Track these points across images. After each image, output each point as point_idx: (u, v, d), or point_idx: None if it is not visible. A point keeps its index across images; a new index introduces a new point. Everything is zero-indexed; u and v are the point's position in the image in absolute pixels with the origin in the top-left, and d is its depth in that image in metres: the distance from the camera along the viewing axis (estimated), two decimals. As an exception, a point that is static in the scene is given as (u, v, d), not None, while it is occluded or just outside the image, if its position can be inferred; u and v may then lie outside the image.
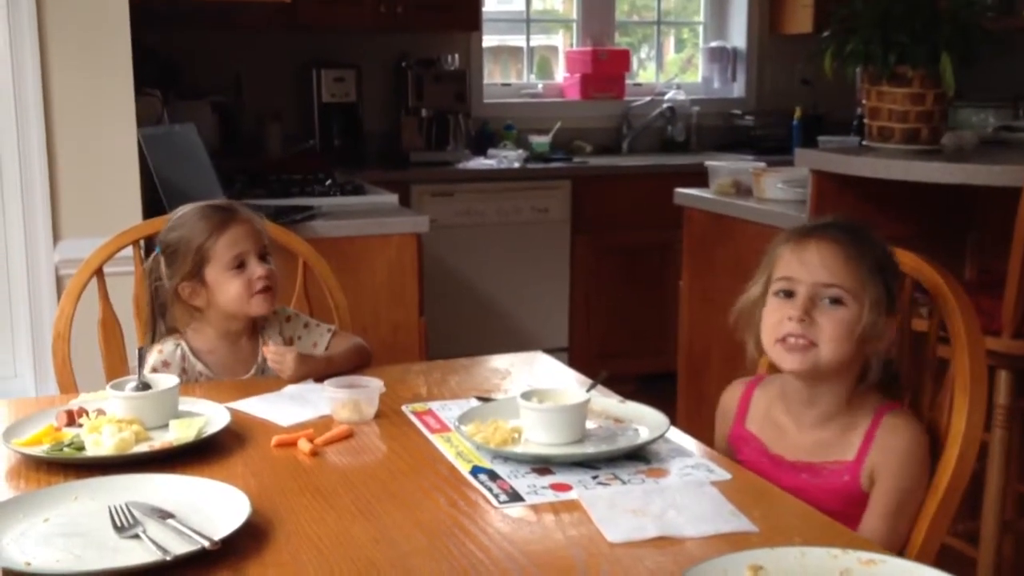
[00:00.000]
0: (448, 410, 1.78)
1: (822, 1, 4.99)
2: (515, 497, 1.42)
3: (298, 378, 1.93)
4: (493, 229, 4.54)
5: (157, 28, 3.71)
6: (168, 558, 1.20)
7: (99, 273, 2.19)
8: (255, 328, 2.08)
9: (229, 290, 1.98)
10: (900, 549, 1.58)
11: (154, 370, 1.96)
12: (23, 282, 2.75)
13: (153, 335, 2.06)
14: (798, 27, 5.18)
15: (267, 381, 1.98)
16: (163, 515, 1.32)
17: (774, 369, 1.73)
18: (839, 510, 1.56)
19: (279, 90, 4.74)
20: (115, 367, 2.16)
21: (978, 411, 1.55)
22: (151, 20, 3.24)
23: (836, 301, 1.59)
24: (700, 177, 3.70)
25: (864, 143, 2.93)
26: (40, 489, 1.43)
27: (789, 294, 1.62)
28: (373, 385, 1.77)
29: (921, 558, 1.47)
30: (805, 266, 1.61)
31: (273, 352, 1.95)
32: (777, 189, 3.28)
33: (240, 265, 1.98)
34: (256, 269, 1.99)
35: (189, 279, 1.99)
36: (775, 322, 1.62)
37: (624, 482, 1.47)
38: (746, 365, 1.77)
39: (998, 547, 2.40)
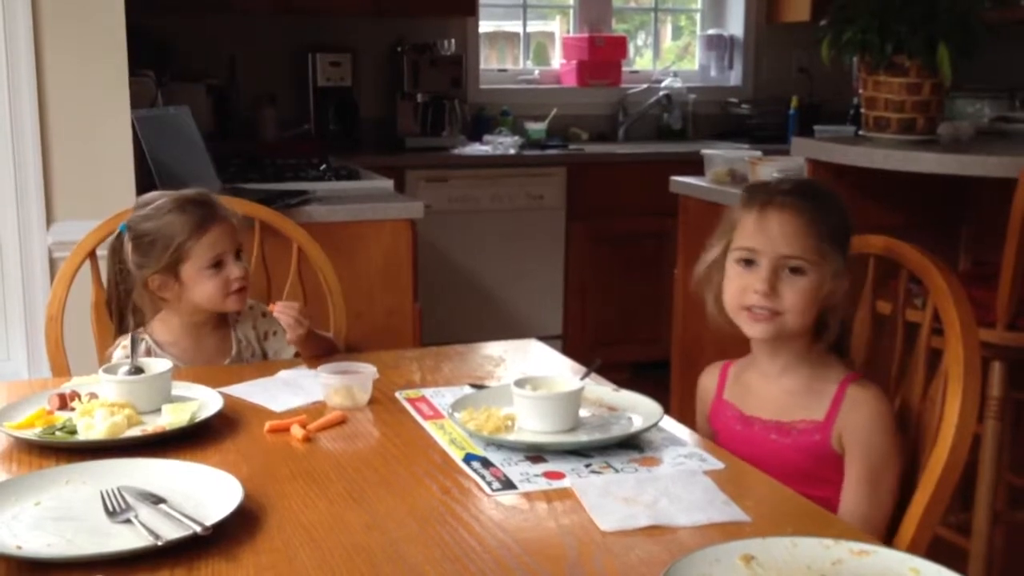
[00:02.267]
0: (441, 397, 1.78)
1: (820, -10, 4.98)
2: (508, 485, 1.42)
3: (300, 340, 1.98)
4: (488, 215, 4.53)
5: (152, 10, 3.69)
6: (160, 543, 1.19)
7: (92, 256, 2.19)
8: (224, 321, 2.07)
9: (205, 289, 1.96)
10: (885, 521, 1.61)
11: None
12: (16, 265, 2.74)
13: (120, 320, 2.05)
14: (795, 15, 5.17)
15: (260, 366, 1.98)
16: (155, 500, 1.31)
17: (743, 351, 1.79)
18: (811, 469, 1.64)
19: (274, 74, 4.72)
20: (108, 358, 2.15)
21: (971, 402, 1.55)
22: (146, 2, 3.22)
23: (797, 271, 1.63)
24: (696, 165, 3.70)
25: (860, 133, 2.93)
26: (32, 472, 1.43)
27: (750, 263, 1.66)
28: (366, 371, 1.77)
29: (913, 549, 1.47)
30: (767, 237, 1.64)
31: (283, 306, 1.96)
32: (773, 178, 3.27)
33: (217, 265, 1.97)
34: (233, 270, 1.98)
35: (162, 273, 1.96)
36: (737, 289, 1.67)
37: (617, 470, 1.47)
38: (707, 322, 1.80)
39: (990, 538, 2.40)
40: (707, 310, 1.77)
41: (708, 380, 1.86)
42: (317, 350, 2.05)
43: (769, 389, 1.73)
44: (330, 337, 2.13)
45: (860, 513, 1.61)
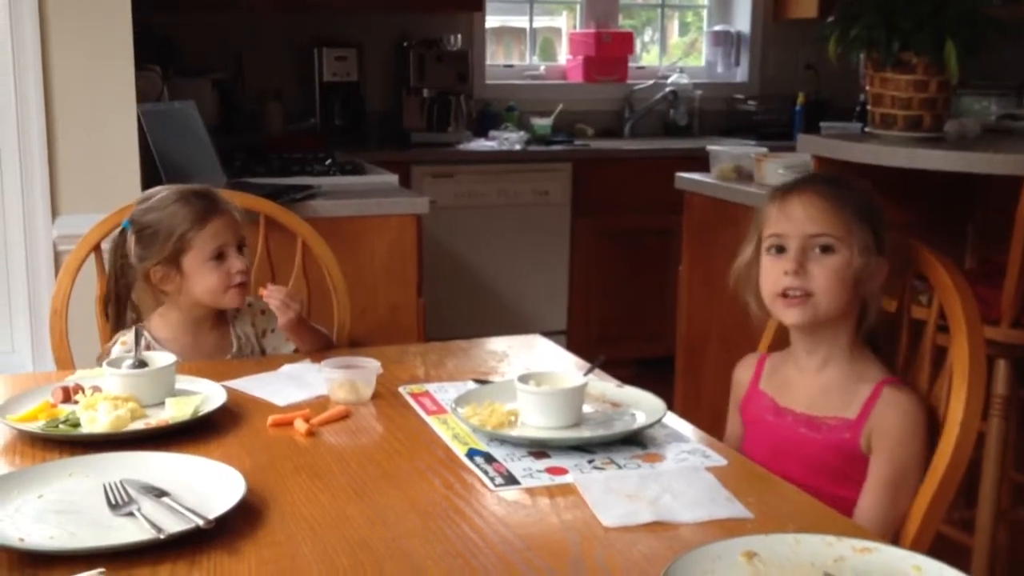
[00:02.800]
0: (445, 392, 1.78)
1: (827, -14, 4.97)
2: (511, 480, 1.42)
3: (290, 325, 1.99)
4: (493, 211, 4.53)
5: (158, 5, 3.69)
6: (162, 536, 1.19)
7: (97, 249, 2.19)
8: (222, 318, 2.07)
9: (206, 281, 1.96)
10: (900, 524, 1.60)
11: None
12: (21, 257, 2.74)
13: (118, 314, 2.06)
14: (802, 12, 5.16)
15: (263, 361, 1.98)
16: (158, 493, 1.31)
17: (783, 344, 1.80)
18: (838, 466, 1.64)
19: (280, 68, 4.72)
20: (107, 354, 2.15)
21: (976, 400, 1.55)
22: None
23: (826, 249, 1.65)
24: (702, 162, 3.69)
25: (867, 130, 2.92)
26: (35, 465, 1.43)
27: (781, 250, 1.68)
28: (370, 366, 1.77)
29: (916, 546, 1.47)
30: (791, 220, 1.67)
31: (272, 288, 1.97)
32: (779, 175, 3.26)
33: (219, 256, 1.97)
34: (235, 263, 1.98)
35: (164, 264, 1.96)
36: (772, 279, 1.68)
37: (620, 466, 1.47)
38: (752, 323, 1.82)
39: (993, 536, 2.40)
40: (751, 311, 1.77)
41: (743, 371, 1.85)
42: (312, 343, 2.05)
43: (806, 383, 1.72)
44: (325, 332, 2.12)
45: (878, 518, 1.59)
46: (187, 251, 1.96)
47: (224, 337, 2.06)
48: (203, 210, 1.97)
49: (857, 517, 1.61)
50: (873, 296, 1.68)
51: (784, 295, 1.66)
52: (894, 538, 1.55)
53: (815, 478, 1.61)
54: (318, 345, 2.06)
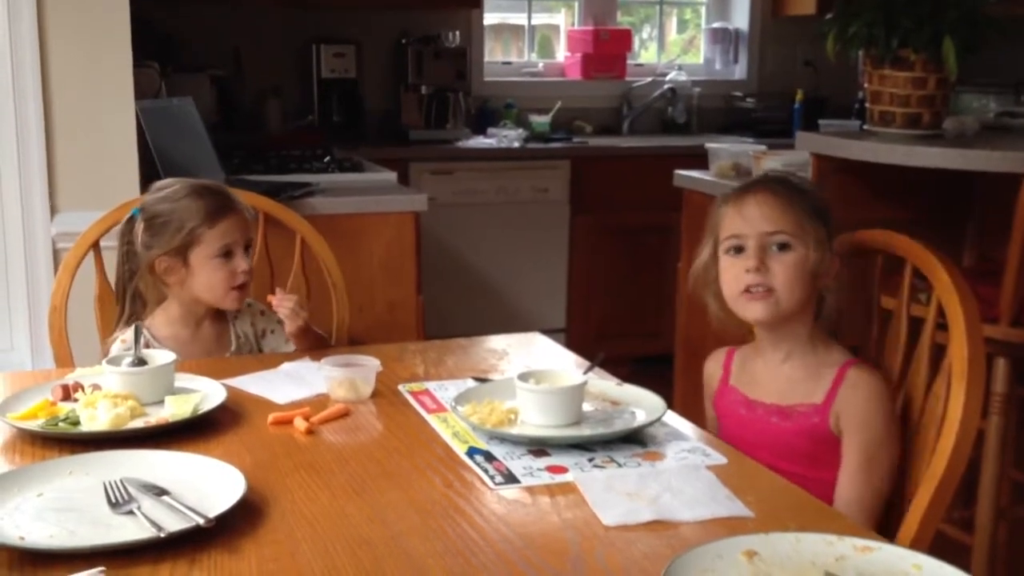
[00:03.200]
0: (445, 390, 1.78)
1: (826, -16, 4.96)
2: (511, 479, 1.42)
3: (297, 332, 1.99)
4: (492, 208, 4.52)
5: (156, 1, 3.69)
6: (162, 535, 1.19)
7: (96, 247, 2.19)
8: (222, 316, 2.07)
9: (210, 278, 1.96)
10: (880, 503, 1.65)
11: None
12: (20, 255, 2.74)
13: (123, 304, 2.05)
14: (801, 9, 5.15)
15: (263, 358, 1.98)
16: (158, 491, 1.31)
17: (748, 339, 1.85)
18: (811, 451, 1.69)
19: (278, 65, 4.72)
20: (108, 350, 2.15)
21: (975, 398, 1.55)
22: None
23: (783, 246, 1.70)
24: (700, 159, 3.69)
25: (865, 127, 2.92)
26: (34, 463, 1.43)
27: (739, 250, 1.73)
28: (370, 364, 1.77)
29: (916, 545, 1.47)
30: (747, 221, 1.72)
31: (282, 296, 1.97)
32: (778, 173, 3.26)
33: (226, 255, 1.97)
34: (241, 262, 1.98)
35: (170, 256, 1.97)
36: (732, 277, 1.74)
37: (620, 465, 1.47)
38: (711, 323, 1.86)
39: (993, 534, 2.40)
40: (710, 312, 1.83)
41: (713, 366, 1.91)
42: (313, 347, 2.05)
43: (773, 375, 1.77)
44: (324, 336, 2.13)
45: (855, 497, 1.65)
46: (195, 245, 1.96)
47: (223, 335, 2.06)
48: (216, 207, 1.98)
49: (837, 499, 1.66)
50: (828, 290, 1.74)
51: (747, 291, 1.71)
52: (891, 534, 1.55)
53: (787, 463, 1.65)
54: (317, 348, 2.06)
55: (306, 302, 2.01)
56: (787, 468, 1.58)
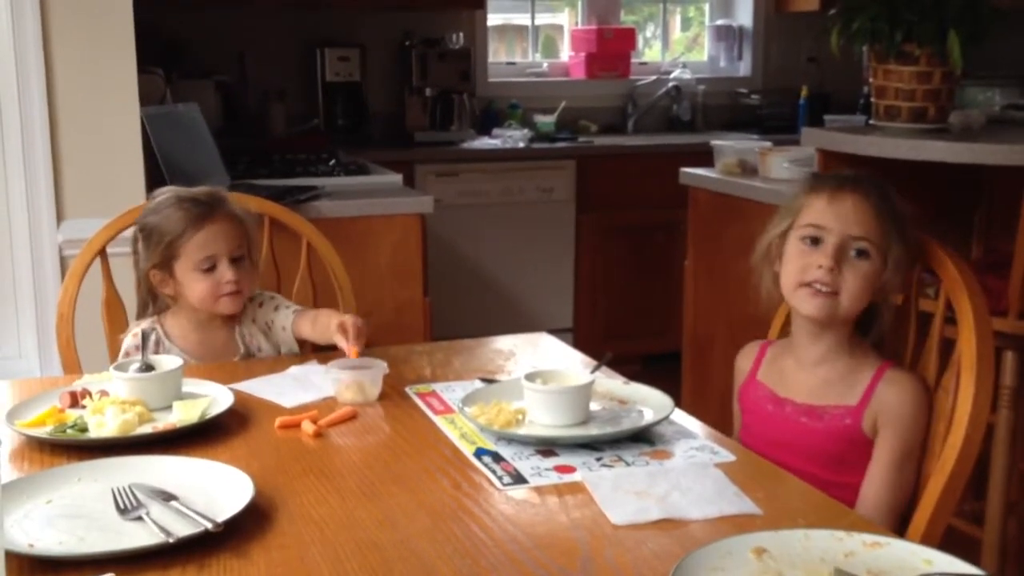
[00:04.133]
0: (452, 391, 1.78)
1: (829, -21, 4.95)
2: (519, 479, 1.42)
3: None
4: (498, 209, 4.52)
5: (160, 6, 3.69)
6: (171, 540, 1.19)
7: (102, 253, 2.19)
8: (231, 318, 2.06)
9: (195, 290, 1.96)
10: (905, 500, 1.62)
11: (127, 353, 1.97)
12: (27, 262, 2.74)
13: (141, 304, 2.06)
14: (805, 5, 5.14)
15: (270, 362, 1.98)
16: (166, 497, 1.31)
17: (784, 333, 1.81)
18: (839, 451, 1.65)
19: (283, 69, 4.72)
20: (119, 348, 2.15)
21: (984, 392, 1.54)
22: (154, -1, 3.22)
23: (862, 253, 1.64)
24: (706, 156, 3.69)
25: (871, 122, 2.91)
26: (43, 471, 1.43)
27: (816, 241, 1.66)
28: (377, 366, 1.77)
29: (927, 540, 1.46)
30: (838, 216, 1.65)
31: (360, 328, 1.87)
32: (783, 168, 3.26)
33: (210, 267, 1.95)
34: (225, 273, 1.95)
35: (159, 268, 1.97)
36: (800, 267, 1.67)
37: (628, 464, 1.46)
38: (757, 297, 1.80)
39: (1003, 528, 2.39)
40: (761, 287, 1.77)
41: (744, 360, 1.85)
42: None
43: (805, 375, 1.73)
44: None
45: (882, 495, 1.62)
46: (177, 258, 1.95)
47: (232, 337, 2.06)
48: (195, 217, 1.94)
49: (863, 497, 1.63)
50: (887, 305, 1.70)
51: (810, 285, 1.65)
52: (901, 529, 1.55)
53: (813, 466, 1.62)
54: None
55: (365, 327, 1.89)
56: (811, 471, 1.55)
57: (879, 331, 1.71)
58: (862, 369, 1.68)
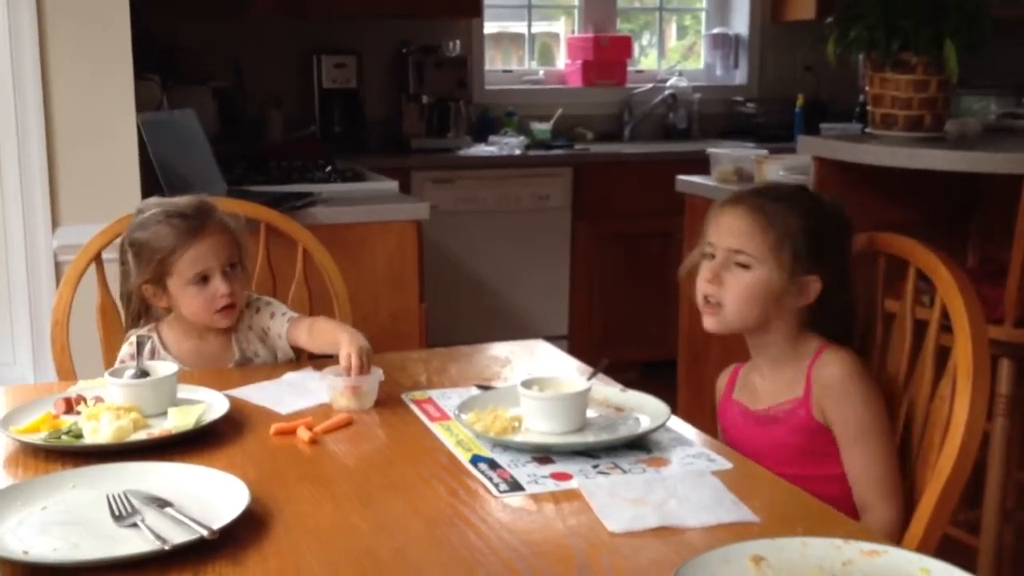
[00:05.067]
0: (448, 398, 1.77)
1: (825, -12, 4.96)
2: (515, 486, 1.41)
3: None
4: (494, 216, 4.52)
5: (157, 13, 3.69)
6: (166, 547, 1.19)
7: (98, 259, 2.19)
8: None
9: (190, 304, 1.95)
10: (884, 469, 1.65)
11: (122, 361, 1.96)
12: (22, 268, 2.74)
13: (130, 316, 2.06)
14: (800, 14, 5.16)
15: (266, 369, 1.98)
16: (161, 504, 1.31)
17: None
18: (803, 447, 1.70)
19: (279, 76, 4.72)
20: (114, 354, 2.14)
21: (980, 400, 1.54)
22: (150, 5, 3.22)
23: (743, 265, 1.71)
24: (702, 164, 3.69)
25: (867, 130, 2.92)
26: (38, 477, 1.43)
27: (712, 256, 1.74)
28: (372, 373, 1.76)
29: (923, 548, 1.46)
30: (719, 232, 1.74)
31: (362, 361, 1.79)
32: (779, 176, 3.26)
33: (204, 279, 1.93)
34: (219, 287, 1.93)
35: (152, 284, 1.96)
36: (699, 282, 1.76)
37: (625, 471, 1.46)
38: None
39: (999, 536, 2.39)
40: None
41: (720, 381, 1.91)
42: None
43: (765, 385, 1.78)
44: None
45: (860, 470, 1.66)
46: (169, 275, 1.93)
47: (228, 345, 2.05)
48: (185, 233, 1.92)
49: (849, 480, 1.67)
50: (809, 309, 1.72)
51: (705, 300, 1.73)
52: (898, 537, 1.54)
53: (787, 467, 1.63)
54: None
55: (365, 354, 1.79)
56: (789, 472, 1.56)
57: (826, 323, 1.74)
58: (802, 360, 1.73)
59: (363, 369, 1.75)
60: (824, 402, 1.69)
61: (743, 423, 1.79)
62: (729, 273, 1.71)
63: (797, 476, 1.53)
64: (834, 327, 1.75)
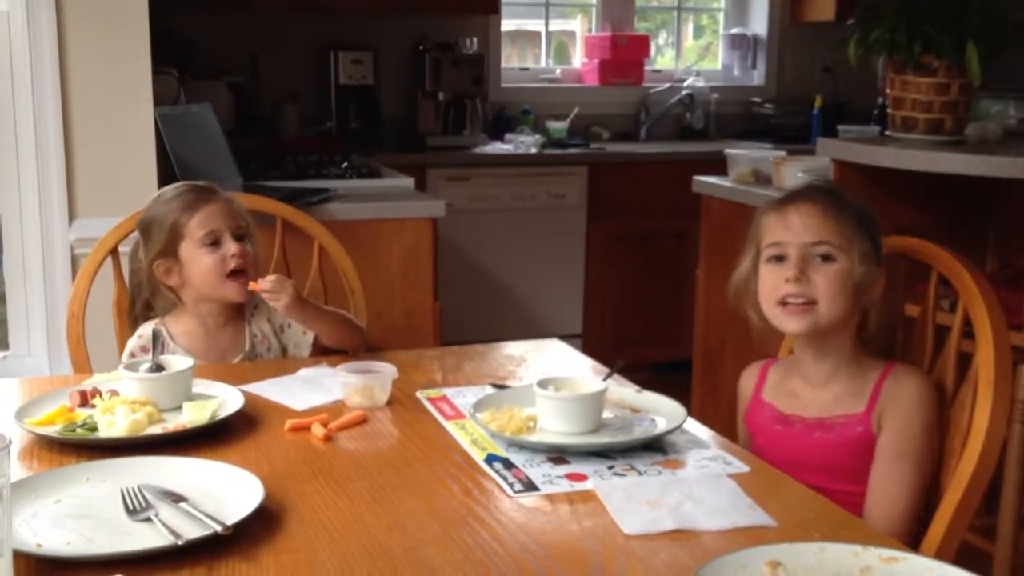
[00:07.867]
0: (463, 397, 1.77)
1: (844, -11, 4.94)
2: (530, 486, 1.40)
3: (290, 310, 1.94)
4: (509, 214, 4.52)
5: (175, 8, 3.69)
6: (180, 542, 1.18)
7: (114, 252, 2.19)
8: (238, 315, 2.06)
9: (202, 266, 1.97)
10: (907, 501, 1.60)
11: (132, 355, 1.96)
12: (38, 261, 2.74)
13: (135, 317, 2.07)
14: (820, 15, 5.13)
15: (280, 364, 1.97)
16: (175, 498, 1.30)
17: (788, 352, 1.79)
18: (850, 462, 1.64)
19: (296, 71, 4.72)
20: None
21: (1002, 406, 1.53)
22: (169, 0, 3.22)
23: (827, 257, 1.65)
24: (718, 165, 3.68)
25: (887, 133, 2.90)
26: (52, 470, 1.42)
27: (780, 259, 1.68)
28: (386, 371, 1.76)
29: (941, 555, 1.45)
30: (791, 229, 1.67)
31: (272, 281, 1.92)
32: (798, 178, 3.24)
33: (214, 243, 1.98)
34: (230, 247, 1.98)
35: (163, 256, 1.99)
36: (772, 287, 1.68)
37: (640, 473, 1.45)
38: (753, 337, 1.80)
39: (1015, 543, 2.38)
40: (751, 324, 1.77)
41: (746, 381, 1.84)
42: (327, 325, 2.02)
43: (816, 393, 1.72)
44: (336, 311, 2.07)
45: (883, 491, 1.61)
46: (182, 239, 1.98)
47: (239, 335, 2.05)
48: (195, 198, 2.00)
49: (869, 490, 1.62)
50: (874, 306, 1.70)
51: (784, 303, 1.66)
52: (916, 544, 1.53)
53: (824, 479, 1.60)
54: (337, 327, 2.03)
55: (287, 278, 1.96)
56: (828, 485, 1.53)
57: (875, 332, 1.71)
58: (869, 375, 1.68)
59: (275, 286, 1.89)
60: (886, 414, 1.63)
61: (778, 427, 1.73)
62: (813, 269, 1.64)
63: (836, 491, 1.49)
64: (878, 340, 1.71)
